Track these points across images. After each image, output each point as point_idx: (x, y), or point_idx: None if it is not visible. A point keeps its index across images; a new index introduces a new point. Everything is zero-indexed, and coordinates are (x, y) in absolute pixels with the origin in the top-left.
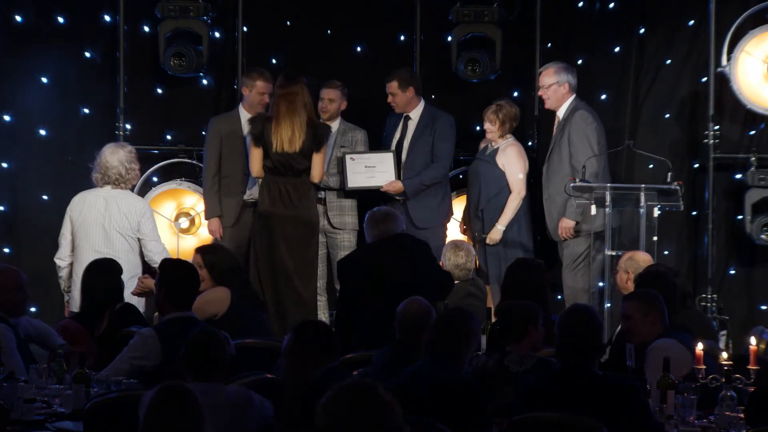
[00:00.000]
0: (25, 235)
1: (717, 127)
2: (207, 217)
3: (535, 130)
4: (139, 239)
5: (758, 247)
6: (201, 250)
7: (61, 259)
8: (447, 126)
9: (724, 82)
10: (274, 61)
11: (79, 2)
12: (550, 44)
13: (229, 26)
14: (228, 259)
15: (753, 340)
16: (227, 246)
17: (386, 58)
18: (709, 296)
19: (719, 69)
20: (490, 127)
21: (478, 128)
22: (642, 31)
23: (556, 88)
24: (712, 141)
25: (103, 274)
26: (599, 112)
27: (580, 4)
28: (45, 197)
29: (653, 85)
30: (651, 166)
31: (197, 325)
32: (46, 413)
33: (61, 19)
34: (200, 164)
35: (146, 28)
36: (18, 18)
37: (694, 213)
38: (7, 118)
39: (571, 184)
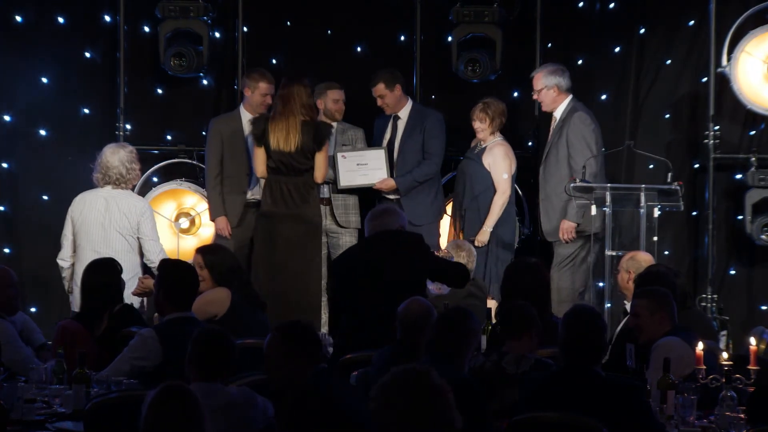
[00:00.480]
0: (25, 235)
1: (717, 128)
2: (212, 218)
3: (534, 130)
4: (138, 239)
5: (758, 248)
6: (201, 251)
7: (64, 259)
8: (437, 123)
9: (724, 82)
10: (274, 61)
11: (79, 2)
12: (550, 44)
13: (229, 26)
14: (228, 260)
15: (753, 341)
16: (230, 246)
17: (386, 58)
18: (710, 296)
19: (719, 69)
20: (481, 126)
21: None
22: (642, 31)
23: (545, 92)
24: (712, 141)
25: (103, 273)
26: (599, 112)
27: (580, 4)
28: (45, 197)
29: (653, 85)
30: (651, 166)
31: (197, 326)
32: (47, 413)
33: (61, 19)
34: (201, 164)
35: (146, 28)
36: (18, 18)
37: (695, 213)
38: (7, 118)
39: (572, 185)
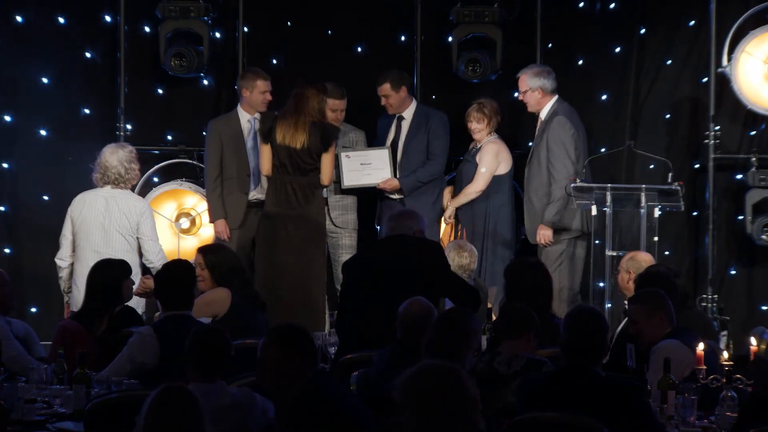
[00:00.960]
0: (25, 235)
1: (717, 128)
2: (211, 220)
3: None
4: (138, 239)
5: (759, 248)
6: (202, 250)
7: (62, 259)
8: (441, 124)
9: (724, 82)
10: (274, 61)
11: (79, 2)
12: (550, 44)
13: (229, 27)
14: (229, 260)
15: (753, 341)
16: (232, 247)
17: (386, 59)
18: (710, 296)
19: (720, 69)
20: (478, 126)
21: None
22: (642, 31)
23: (530, 93)
24: (712, 141)
25: (108, 273)
26: (599, 112)
27: (581, 4)
28: (45, 197)
29: (653, 85)
30: (651, 166)
31: (194, 324)
32: (47, 414)
33: (61, 19)
34: (201, 164)
35: (147, 29)
36: (18, 18)
37: (695, 213)
38: (7, 118)
39: (572, 185)
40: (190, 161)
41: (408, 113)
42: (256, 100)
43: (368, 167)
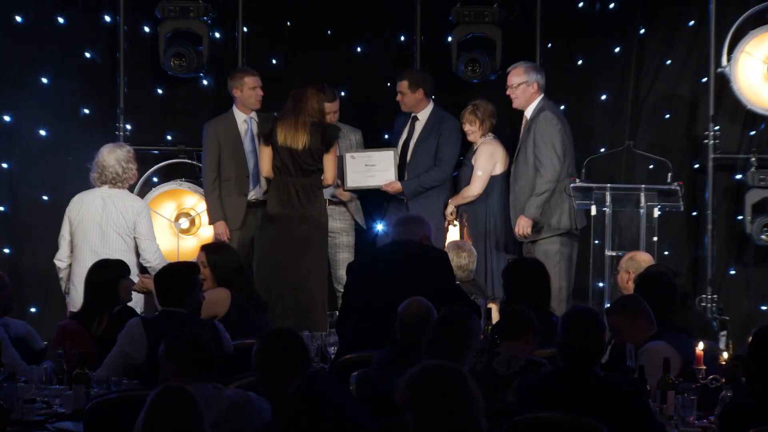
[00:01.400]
0: (25, 236)
1: (717, 128)
2: (211, 222)
3: None
4: (135, 238)
5: (758, 248)
6: (206, 249)
7: (60, 260)
8: (453, 129)
9: (724, 82)
10: (274, 61)
11: (79, 2)
12: (550, 44)
13: (229, 27)
14: (232, 260)
15: None
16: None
17: (386, 59)
18: (710, 297)
19: (719, 69)
20: (471, 128)
21: None
22: (642, 31)
23: (524, 87)
24: (712, 141)
25: (106, 273)
26: (599, 112)
27: (580, 4)
28: (45, 197)
29: (653, 85)
30: (651, 166)
31: (186, 320)
32: (47, 414)
33: (61, 19)
34: (200, 165)
35: (146, 29)
36: (18, 18)
37: (695, 213)
38: (7, 118)
39: (572, 185)
40: (190, 161)
41: (423, 115)
42: (248, 98)
43: (372, 168)
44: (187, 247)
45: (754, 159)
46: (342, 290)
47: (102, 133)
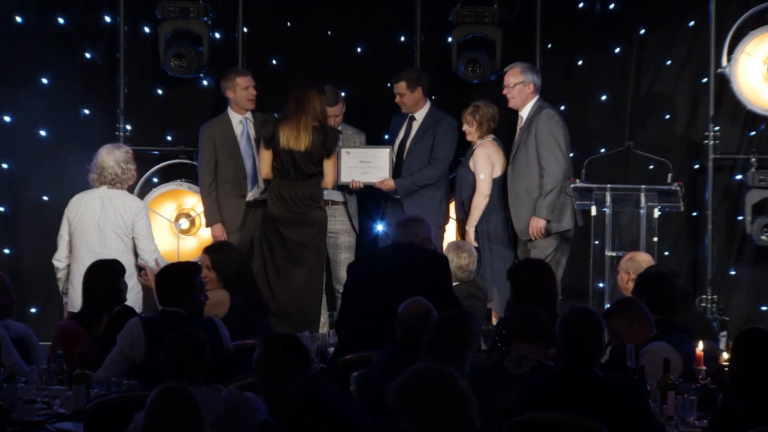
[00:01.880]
0: (25, 236)
1: (717, 128)
2: (208, 225)
3: None
4: (133, 238)
5: (758, 248)
6: (208, 250)
7: (59, 260)
8: (449, 129)
9: (724, 82)
10: (274, 61)
11: (79, 2)
12: (550, 44)
13: (229, 27)
14: (235, 259)
15: None
16: None
17: (386, 59)
18: (710, 297)
19: (719, 70)
20: (468, 129)
21: None
22: (642, 31)
23: (521, 87)
24: (712, 141)
25: (105, 274)
26: (599, 112)
27: (580, 4)
28: (45, 198)
29: (653, 85)
30: (651, 166)
31: (186, 320)
32: (47, 414)
33: (61, 20)
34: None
35: (146, 29)
36: (18, 18)
37: (695, 214)
38: (7, 118)
39: (572, 186)
40: (190, 162)
41: (420, 114)
42: (241, 98)
43: (367, 165)
44: (187, 247)
45: (754, 159)
46: (342, 290)
47: (102, 133)
